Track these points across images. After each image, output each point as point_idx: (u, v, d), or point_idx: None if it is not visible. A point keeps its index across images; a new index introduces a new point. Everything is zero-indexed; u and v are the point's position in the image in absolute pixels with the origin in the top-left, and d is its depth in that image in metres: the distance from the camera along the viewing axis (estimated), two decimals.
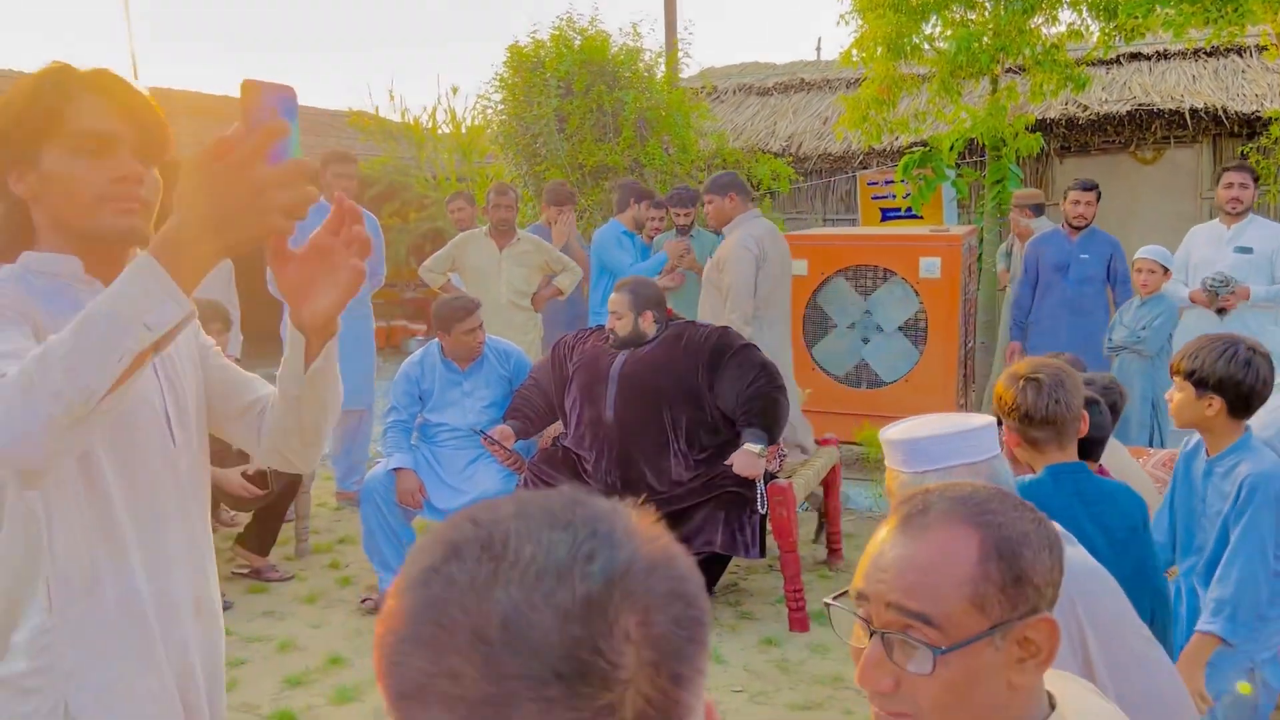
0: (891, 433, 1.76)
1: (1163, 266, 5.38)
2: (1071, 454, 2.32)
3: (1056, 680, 1.23)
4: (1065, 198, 5.98)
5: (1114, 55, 7.96)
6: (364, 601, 4.47)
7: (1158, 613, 2.28)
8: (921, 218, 8.18)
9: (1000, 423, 2.35)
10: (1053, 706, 1.16)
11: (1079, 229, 5.91)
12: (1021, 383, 2.31)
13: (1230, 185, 5.43)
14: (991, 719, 1.10)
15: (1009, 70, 7.52)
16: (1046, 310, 5.98)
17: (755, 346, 4.36)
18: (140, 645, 1.45)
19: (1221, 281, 5.25)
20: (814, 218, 8.82)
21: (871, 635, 1.11)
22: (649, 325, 4.35)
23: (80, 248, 1.44)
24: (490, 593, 0.59)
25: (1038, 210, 6.80)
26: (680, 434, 4.21)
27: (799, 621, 4.19)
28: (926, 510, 1.13)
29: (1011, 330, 6.27)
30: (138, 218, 1.43)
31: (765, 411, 4.16)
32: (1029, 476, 2.35)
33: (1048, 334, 5.80)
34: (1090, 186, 5.91)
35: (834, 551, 4.98)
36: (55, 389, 1.14)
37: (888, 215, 8.58)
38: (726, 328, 4.41)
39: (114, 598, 1.42)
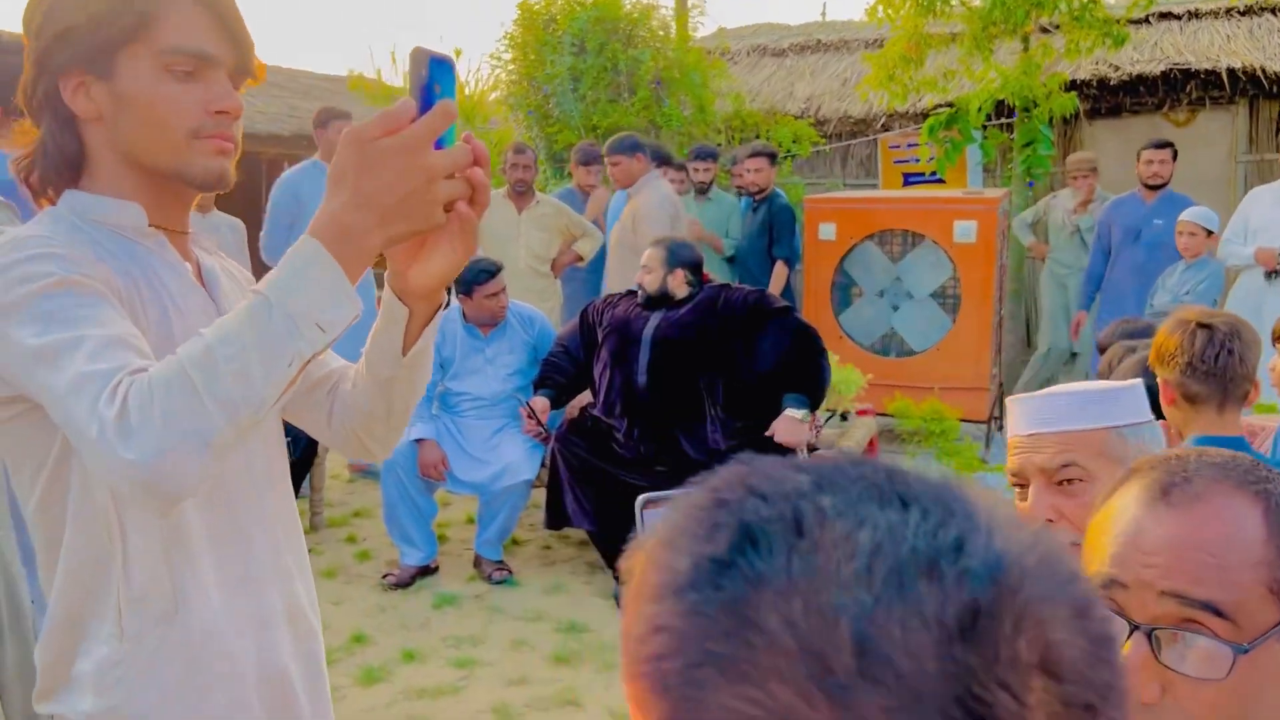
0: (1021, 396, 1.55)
1: (1205, 229, 5.18)
2: (1231, 425, 2.07)
3: None
4: (1138, 158, 5.78)
5: (1143, 14, 7.70)
6: (385, 577, 4.28)
7: None
8: (945, 182, 7.94)
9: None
10: None
11: (1154, 189, 5.71)
12: (1193, 326, 2.09)
13: None
14: None
15: (1041, 29, 7.26)
16: (1116, 277, 5.81)
17: (794, 308, 4.19)
18: (226, 677, 1.21)
19: None
20: (833, 182, 8.57)
21: (1133, 632, 0.90)
22: (679, 285, 4.16)
23: (148, 190, 1.19)
24: (823, 597, 0.40)
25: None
26: (717, 399, 4.02)
27: None
28: (1189, 478, 0.91)
29: (1082, 298, 6.08)
30: (230, 160, 1.19)
31: (807, 375, 3.98)
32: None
33: (1115, 302, 5.63)
34: (1164, 145, 5.73)
35: None
36: (225, 397, 0.95)
37: (910, 180, 8.34)
38: (764, 290, 4.22)
39: (197, 624, 1.19)
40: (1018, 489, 1.53)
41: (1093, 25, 6.38)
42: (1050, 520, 1.47)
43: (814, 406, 4.02)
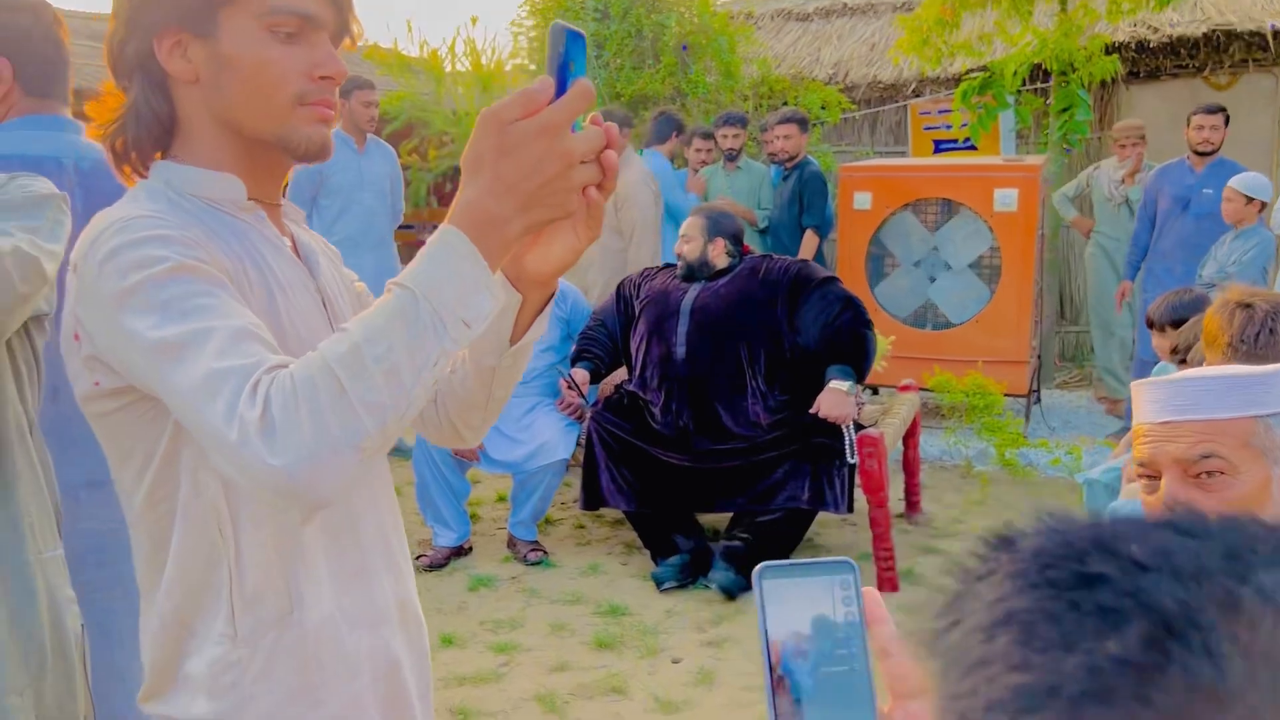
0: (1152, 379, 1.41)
1: (1245, 196, 5.00)
2: None
3: None
4: (1188, 124, 5.57)
5: None
6: (419, 559, 4.17)
7: None
8: (977, 149, 7.74)
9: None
10: None
11: (1205, 155, 5.50)
12: (1232, 306, 2.07)
13: None
14: None
15: None
16: (1162, 249, 5.59)
17: (838, 279, 4.05)
18: (343, 677, 1.14)
19: None
20: (862, 150, 8.38)
21: None
22: (719, 255, 4.05)
23: (245, 160, 1.12)
24: None
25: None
26: (759, 372, 3.90)
27: (889, 581, 3.88)
28: None
29: (1127, 268, 5.89)
30: (330, 129, 1.13)
31: (852, 347, 3.86)
32: None
33: (1161, 274, 5.44)
34: (1216, 110, 5.49)
35: (912, 504, 4.67)
36: (374, 400, 0.89)
37: (941, 146, 8.13)
38: (807, 260, 4.10)
39: (313, 623, 1.12)
40: (1145, 481, 1.40)
41: None
42: None
43: (859, 379, 3.89)
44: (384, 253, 5.49)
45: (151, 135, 1.10)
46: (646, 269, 4.36)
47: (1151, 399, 1.36)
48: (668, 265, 4.26)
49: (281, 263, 1.14)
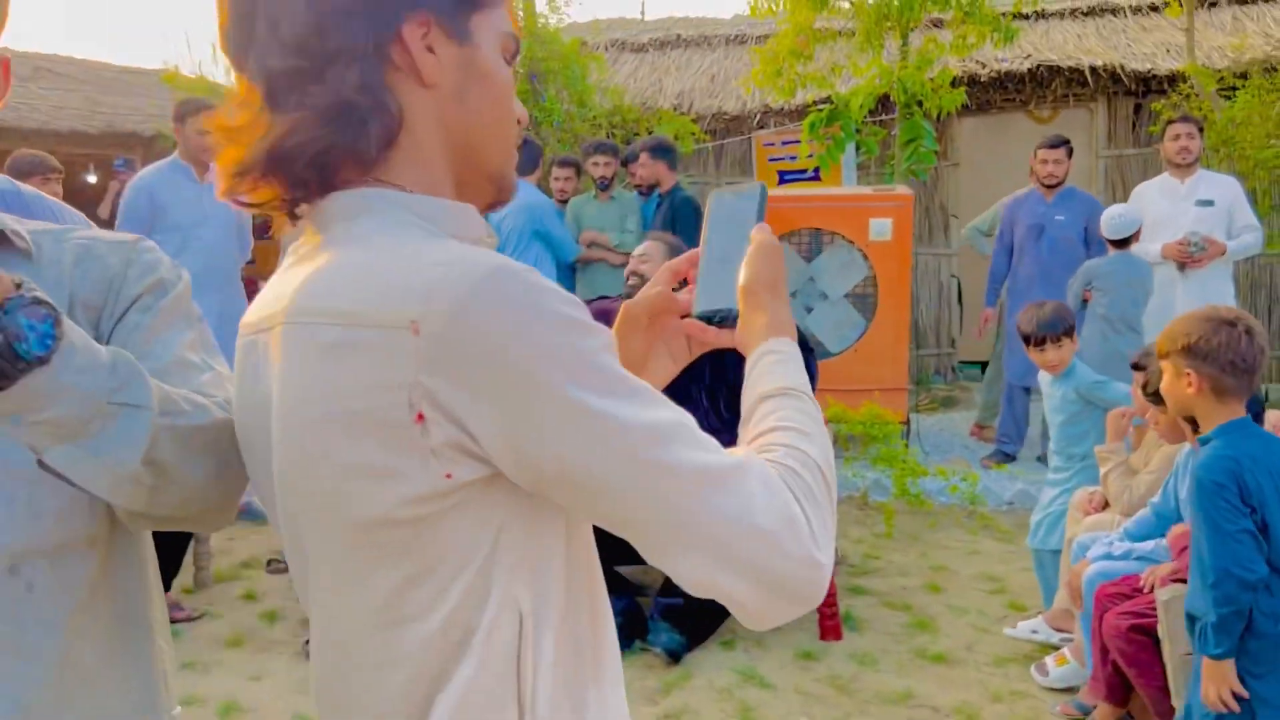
0: None
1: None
2: (1241, 409, 2.35)
3: None
4: (1034, 156, 5.76)
5: (1030, 10, 7.87)
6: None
7: None
8: (821, 180, 7.84)
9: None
10: None
11: (1052, 188, 5.70)
12: (1237, 326, 2.31)
13: (1178, 136, 5.35)
14: None
15: (932, 23, 7.25)
16: (1021, 276, 5.76)
17: None
18: None
19: (1199, 243, 5.13)
20: (708, 181, 8.33)
21: None
22: None
23: (455, 194, 0.91)
24: None
25: None
26: (701, 406, 3.69)
27: (832, 630, 3.70)
28: None
29: (987, 296, 6.01)
30: None
31: None
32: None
33: (1021, 300, 5.56)
34: (1058, 144, 5.71)
35: None
36: (833, 501, 0.86)
37: (785, 178, 8.19)
38: None
39: None
40: None
41: (984, 21, 6.37)
42: None
43: None
44: (230, 291, 4.90)
45: (379, 142, 0.84)
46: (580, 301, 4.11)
47: None
48: (601, 297, 4.00)
49: None
